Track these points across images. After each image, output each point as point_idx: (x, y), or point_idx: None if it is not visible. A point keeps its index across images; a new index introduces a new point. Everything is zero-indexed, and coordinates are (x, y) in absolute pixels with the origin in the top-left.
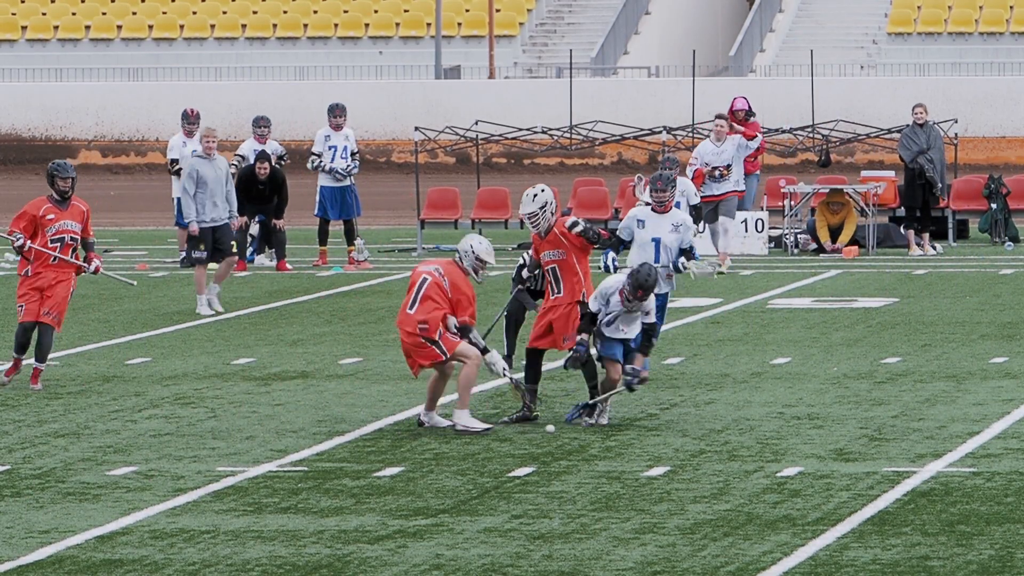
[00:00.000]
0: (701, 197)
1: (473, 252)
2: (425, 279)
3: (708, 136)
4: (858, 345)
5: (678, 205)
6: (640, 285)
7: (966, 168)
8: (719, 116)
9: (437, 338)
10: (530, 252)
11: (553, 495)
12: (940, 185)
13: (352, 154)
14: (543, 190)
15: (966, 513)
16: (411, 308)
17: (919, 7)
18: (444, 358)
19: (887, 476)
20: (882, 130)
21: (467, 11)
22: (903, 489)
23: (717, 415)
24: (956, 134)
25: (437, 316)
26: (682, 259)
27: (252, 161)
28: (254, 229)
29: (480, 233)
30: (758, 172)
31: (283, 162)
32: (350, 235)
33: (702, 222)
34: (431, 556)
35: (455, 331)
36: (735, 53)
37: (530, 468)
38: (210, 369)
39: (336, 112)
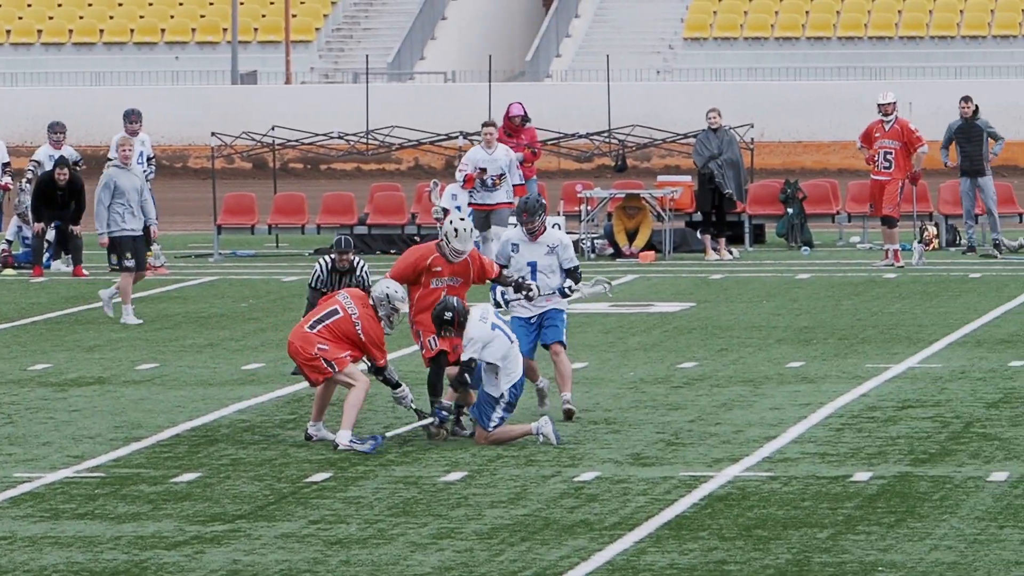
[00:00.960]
0: (471, 204)
1: (389, 301)
2: (336, 311)
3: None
4: (655, 350)
5: (459, 208)
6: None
7: (762, 173)
8: (487, 124)
9: (331, 359)
10: (334, 257)
11: (350, 500)
12: (729, 190)
13: (148, 159)
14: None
15: (763, 517)
16: (311, 327)
17: (715, 12)
18: (332, 374)
19: (684, 481)
20: (678, 135)
21: (263, 16)
22: (700, 494)
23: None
24: (752, 139)
25: (345, 360)
26: (568, 282)
27: (49, 167)
28: (51, 235)
29: (277, 239)
30: (535, 177)
31: (79, 167)
32: (146, 241)
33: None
34: (228, 562)
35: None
36: (532, 58)
37: (327, 473)
38: (6, 375)
39: (131, 117)
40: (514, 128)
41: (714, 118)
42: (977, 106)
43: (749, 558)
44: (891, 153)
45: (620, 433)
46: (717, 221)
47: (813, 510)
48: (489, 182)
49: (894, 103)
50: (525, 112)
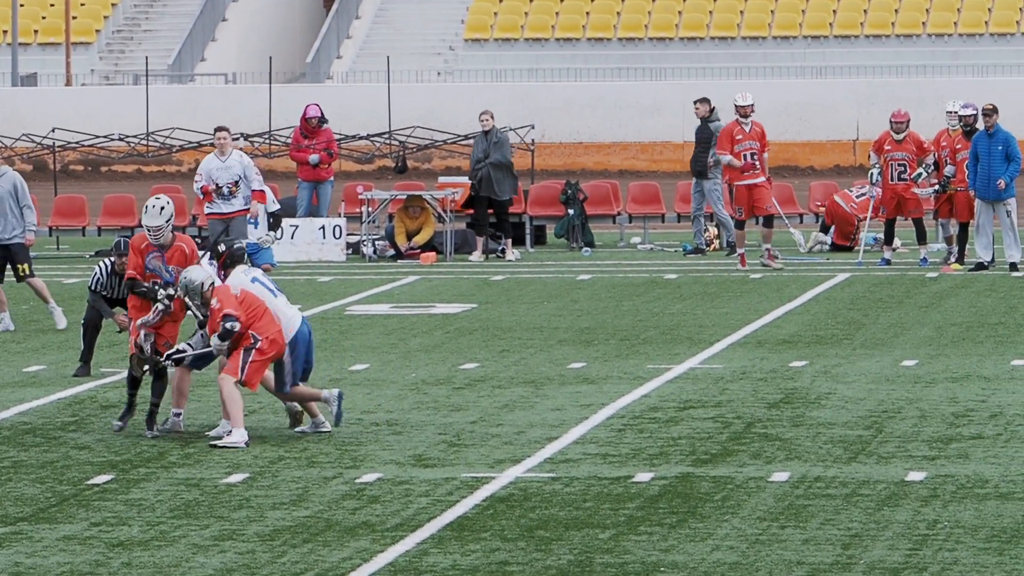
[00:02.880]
0: (209, 214)
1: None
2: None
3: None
4: (436, 351)
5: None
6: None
7: (543, 174)
8: (220, 129)
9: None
10: (114, 260)
11: (132, 502)
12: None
13: None
14: (168, 203)
15: (545, 518)
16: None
17: (496, 13)
18: None
19: (466, 482)
20: (459, 136)
21: (44, 18)
22: (482, 495)
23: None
24: (533, 140)
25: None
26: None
27: None
28: None
29: (58, 240)
30: (332, 179)
31: None
32: None
33: (280, 228)
34: (10, 564)
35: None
36: (312, 59)
37: (109, 475)
38: None
39: None
40: (311, 129)
41: (485, 120)
42: (714, 108)
43: (531, 559)
44: (755, 153)
45: (402, 435)
46: (497, 223)
47: (595, 511)
48: (225, 191)
49: (752, 105)
50: (322, 113)
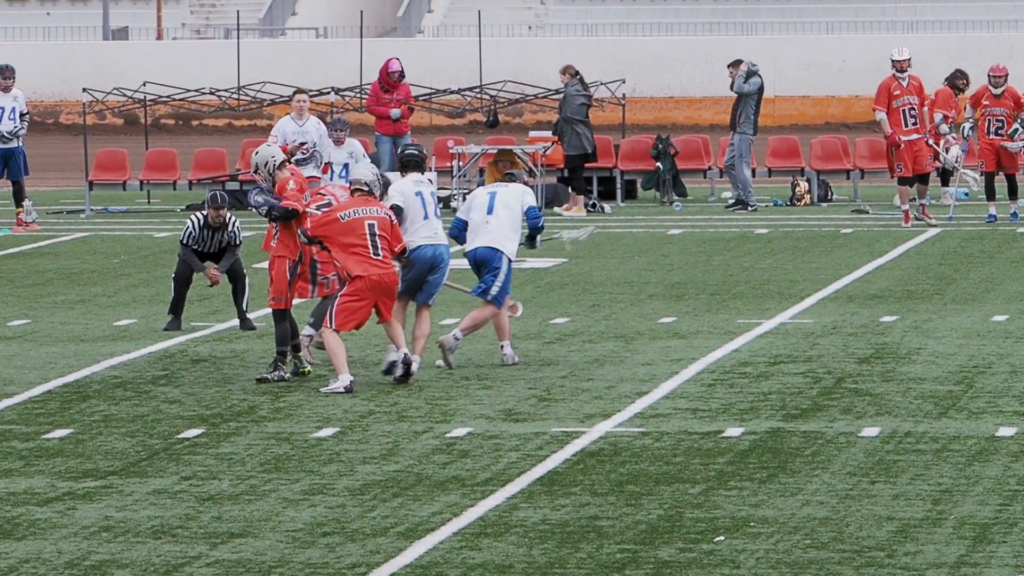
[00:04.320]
0: None
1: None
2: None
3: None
4: (527, 305)
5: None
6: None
7: (634, 129)
8: (299, 91)
9: None
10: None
11: (222, 457)
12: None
13: (21, 115)
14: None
15: (635, 473)
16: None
17: None
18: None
19: (556, 436)
20: (550, 91)
21: None
22: (572, 449)
23: (386, 376)
24: (624, 94)
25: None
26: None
27: None
28: None
29: (148, 195)
30: (409, 132)
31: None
32: (18, 197)
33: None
34: (100, 518)
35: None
36: (403, 14)
37: (199, 430)
38: None
39: (5, 73)
40: (391, 84)
41: (562, 77)
42: (754, 65)
43: (621, 513)
44: (914, 108)
45: (492, 389)
46: (568, 178)
47: (685, 466)
48: (300, 155)
49: (909, 59)
50: (402, 68)
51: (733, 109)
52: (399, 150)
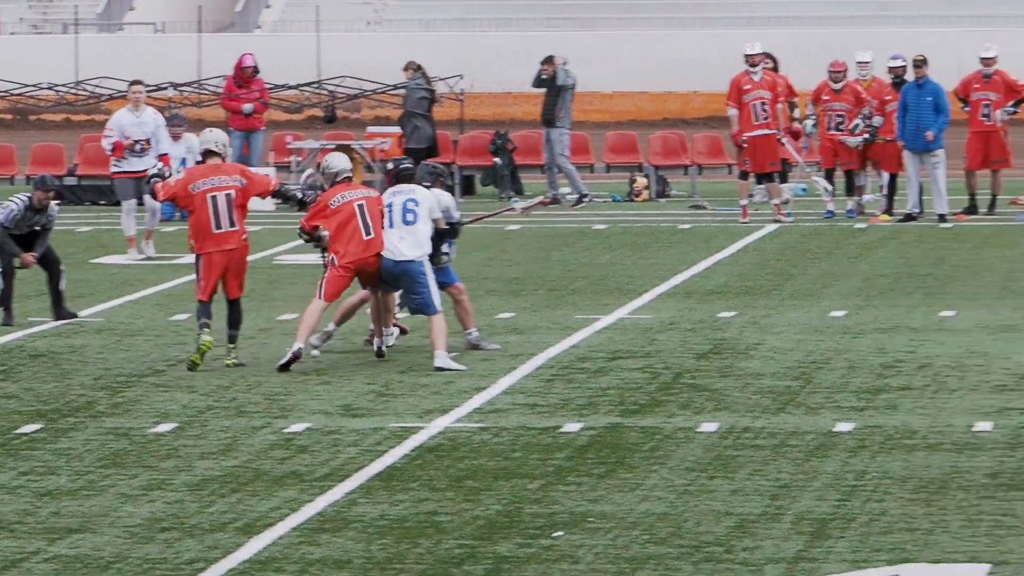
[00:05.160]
0: (115, 174)
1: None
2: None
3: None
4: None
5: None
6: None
7: (472, 124)
8: (136, 82)
9: None
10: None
11: (60, 452)
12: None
13: None
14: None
15: (473, 468)
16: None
17: None
18: None
19: (394, 432)
20: (388, 86)
21: None
22: (411, 445)
23: (225, 372)
24: (463, 90)
25: None
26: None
27: None
28: None
29: None
30: (264, 128)
31: None
32: None
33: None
34: None
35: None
36: (241, 9)
37: (37, 425)
38: None
39: None
40: (245, 79)
41: (405, 73)
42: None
43: (460, 509)
44: (766, 103)
45: (331, 384)
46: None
47: (523, 461)
48: (138, 148)
49: (761, 53)
50: (256, 63)
51: (546, 104)
52: (391, 165)
